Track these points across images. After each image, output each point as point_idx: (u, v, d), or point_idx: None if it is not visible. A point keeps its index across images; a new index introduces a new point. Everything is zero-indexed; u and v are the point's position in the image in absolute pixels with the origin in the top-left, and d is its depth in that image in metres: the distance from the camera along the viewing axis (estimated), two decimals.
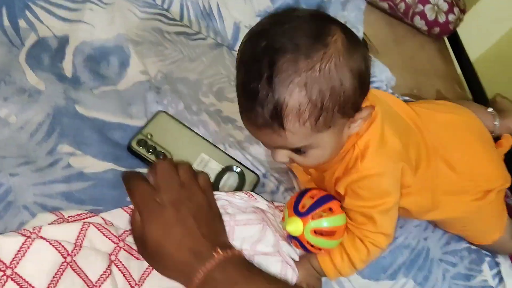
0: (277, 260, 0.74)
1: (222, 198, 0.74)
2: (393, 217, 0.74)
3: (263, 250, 0.74)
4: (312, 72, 0.57)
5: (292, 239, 0.73)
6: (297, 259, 0.76)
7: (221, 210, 0.72)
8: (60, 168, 0.71)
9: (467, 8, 1.44)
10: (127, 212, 0.70)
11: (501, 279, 0.90)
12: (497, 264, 0.92)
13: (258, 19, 1.09)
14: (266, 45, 0.58)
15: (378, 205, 0.71)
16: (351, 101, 0.61)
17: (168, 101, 0.87)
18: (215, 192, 0.73)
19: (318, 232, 0.71)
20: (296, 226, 0.70)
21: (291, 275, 0.74)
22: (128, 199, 0.70)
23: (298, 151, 0.65)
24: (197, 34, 1.01)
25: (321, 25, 0.60)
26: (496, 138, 0.95)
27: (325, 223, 0.71)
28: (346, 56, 0.59)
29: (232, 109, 0.92)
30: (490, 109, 1.03)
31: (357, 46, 0.61)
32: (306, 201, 0.72)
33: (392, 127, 0.71)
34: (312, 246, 0.72)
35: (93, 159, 0.75)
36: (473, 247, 0.92)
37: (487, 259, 0.92)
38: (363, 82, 0.62)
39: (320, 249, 0.73)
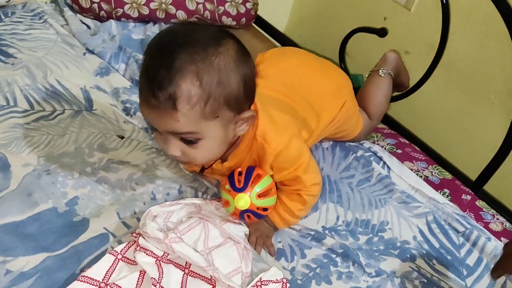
0: (231, 245, 0.84)
1: (160, 211, 0.82)
2: (313, 168, 0.91)
3: (215, 243, 0.83)
4: (205, 64, 0.69)
5: (245, 213, 0.85)
6: (246, 229, 0.88)
7: (164, 226, 0.79)
8: (2, 276, 0.73)
9: None
10: (83, 281, 0.74)
11: (388, 167, 1.11)
12: (381, 158, 1.12)
13: (97, 77, 1.19)
14: (171, 38, 0.70)
15: (298, 167, 0.86)
16: (235, 97, 0.73)
17: (63, 176, 0.91)
18: (152, 208, 0.82)
19: (261, 195, 0.84)
20: (244, 200, 0.83)
21: (247, 251, 0.84)
22: (77, 271, 0.75)
23: (189, 142, 0.74)
24: (54, 112, 1.06)
25: (220, 33, 0.73)
26: None
27: (261, 186, 0.84)
28: (237, 61, 0.72)
29: (120, 154, 1.00)
30: None
31: (246, 58, 0.75)
32: (238, 178, 0.85)
33: (274, 108, 0.87)
34: (261, 209, 0.85)
35: (25, 257, 0.78)
36: (358, 154, 1.12)
37: (372, 158, 1.12)
38: (248, 88, 0.75)
39: (267, 208, 0.87)
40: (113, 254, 0.78)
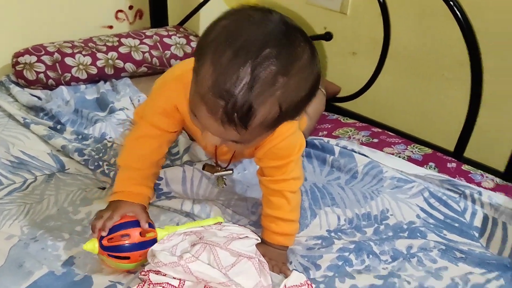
0: (245, 261, 0.79)
1: (162, 248, 0.78)
2: (301, 162, 0.89)
3: (228, 263, 0.79)
4: (287, 89, 0.63)
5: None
6: (254, 242, 0.83)
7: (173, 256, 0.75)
8: None
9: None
10: None
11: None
12: (353, 150, 1.14)
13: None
14: (246, 50, 0.60)
15: (296, 154, 0.85)
16: (304, 109, 0.71)
17: (52, 240, 0.86)
18: (153, 247, 0.78)
19: (112, 256, 0.78)
20: (92, 245, 0.78)
21: (263, 264, 0.81)
22: None
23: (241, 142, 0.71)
24: (25, 182, 1.01)
25: (294, 38, 0.65)
26: None
27: (119, 248, 0.77)
28: (310, 69, 0.66)
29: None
30: None
31: (316, 57, 0.68)
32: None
33: None
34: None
35: None
36: (336, 156, 1.12)
37: (352, 152, 1.12)
38: (316, 90, 0.70)
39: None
40: None
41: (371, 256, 0.89)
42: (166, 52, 1.55)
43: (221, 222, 0.88)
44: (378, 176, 1.08)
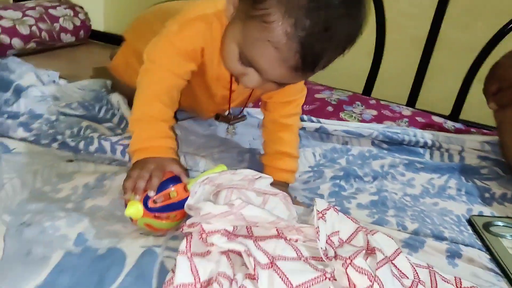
0: (272, 198, 0.80)
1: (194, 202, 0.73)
2: None
3: (258, 203, 0.79)
4: (352, 30, 0.67)
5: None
6: (270, 180, 0.83)
7: None
8: None
9: None
10: None
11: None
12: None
13: None
14: (325, 12, 0.63)
15: (305, 91, 0.90)
16: None
17: (48, 220, 0.72)
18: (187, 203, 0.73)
19: (157, 217, 0.72)
20: (135, 209, 0.70)
21: (286, 197, 0.82)
22: None
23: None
24: None
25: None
26: None
27: (170, 207, 0.72)
28: (366, 8, 0.69)
29: (87, 176, 0.83)
30: None
31: None
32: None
33: None
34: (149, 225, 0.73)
35: None
36: None
37: None
38: None
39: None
40: (184, 254, 0.66)
41: (357, 179, 0.98)
42: (55, 24, 1.39)
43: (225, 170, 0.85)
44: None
